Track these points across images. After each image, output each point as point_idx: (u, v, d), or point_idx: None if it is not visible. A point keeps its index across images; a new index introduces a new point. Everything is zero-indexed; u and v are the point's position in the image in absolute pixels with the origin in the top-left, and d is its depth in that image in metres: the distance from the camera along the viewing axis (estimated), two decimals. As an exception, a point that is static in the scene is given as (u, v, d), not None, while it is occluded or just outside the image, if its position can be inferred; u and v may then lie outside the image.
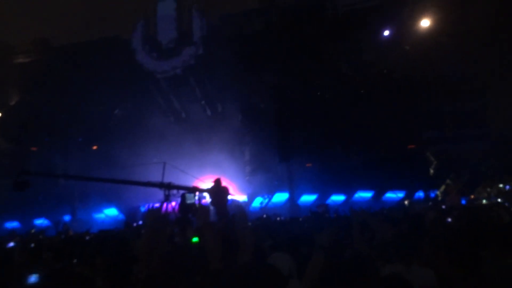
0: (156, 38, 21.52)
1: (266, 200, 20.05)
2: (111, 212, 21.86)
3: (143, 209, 19.60)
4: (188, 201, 4.44)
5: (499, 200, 15.76)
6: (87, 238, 7.82)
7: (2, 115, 22.56)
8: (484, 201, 15.81)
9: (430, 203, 14.31)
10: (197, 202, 4.77)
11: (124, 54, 21.32)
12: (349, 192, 19.15)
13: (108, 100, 22.30)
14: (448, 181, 17.44)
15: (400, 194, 18.44)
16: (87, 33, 23.10)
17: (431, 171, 18.23)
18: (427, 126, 18.28)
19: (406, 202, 16.59)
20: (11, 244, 8.24)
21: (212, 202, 3.60)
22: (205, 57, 20.79)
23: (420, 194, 17.79)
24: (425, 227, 5.22)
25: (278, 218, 12.09)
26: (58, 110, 21.51)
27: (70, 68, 20.91)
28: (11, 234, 11.42)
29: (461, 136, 17.79)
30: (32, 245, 5.83)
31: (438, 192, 17.48)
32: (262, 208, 19.43)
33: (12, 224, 21.20)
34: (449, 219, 5.33)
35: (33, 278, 3.54)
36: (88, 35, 22.52)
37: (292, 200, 19.13)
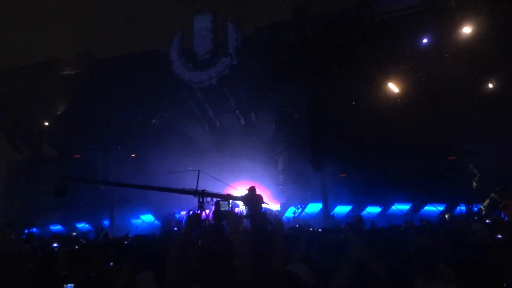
0: (192, 50, 22.11)
1: (299, 210, 19.85)
2: (148, 218, 22.49)
3: (177, 215, 20.03)
4: (222, 209, 4.51)
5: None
6: (126, 242, 8.08)
7: (49, 124, 23.96)
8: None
9: (476, 217, 13.56)
10: (230, 209, 4.84)
11: (162, 66, 22.04)
12: (385, 204, 18.55)
13: (147, 110, 23.12)
14: (493, 194, 16.46)
15: (440, 207, 17.64)
16: (127, 46, 24.24)
17: (474, 184, 17.32)
18: (469, 138, 17.44)
19: (446, 216, 15.82)
20: (55, 244, 8.70)
21: (248, 210, 3.64)
22: (239, 67, 21.09)
23: (462, 207, 16.94)
24: (467, 242, 4.97)
25: (311, 229, 11.93)
26: (100, 120, 22.54)
27: (112, 80, 21.88)
28: (55, 237, 12.00)
29: (505, 148, 16.82)
30: (76, 247, 6.10)
31: (482, 206, 16.54)
32: (295, 218, 19.26)
33: (56, 227, 22.33)
34: (499, 236, 5.02)
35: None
36: (129, 49, 23.60)
37: (326, 210, 18.82)
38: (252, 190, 3.55)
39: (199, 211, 7.95)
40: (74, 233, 18.18)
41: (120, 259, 5.23)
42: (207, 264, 2.86)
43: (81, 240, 11.50)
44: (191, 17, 22.38)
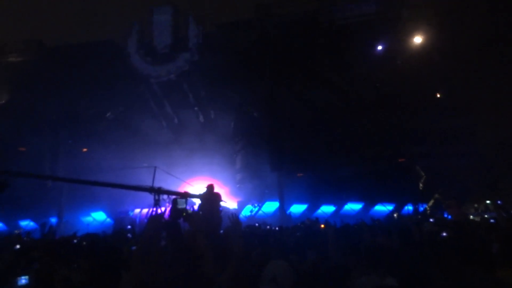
0: (151, 42, 21.51)
1: (256, 209, 19.99)
2: (99, 215, 21.58)
3: (131, 213, 19.41)
4: (179, 206, 4.41)
5: (486, 216, 15.92)
6: (74, 241, 7.69)
7: (-10, 114, 22.23)
8: (471, 217, 15.97)
9: (419, 216, 14.39)
10: (188, 207, 4.74)
11: (119, 58, 21.24)
12: (339, 203, 19.20)
13: (100, 103, 22.15)
14: (436, 195, 17.59)
15: (390, 207, 18.54)
16: (81, 35, 23.10)
17: (420, 185, 18.40)
18: (417, 141, 18.50)
19: (395, 215, 16.67)
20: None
21: (203, 208, 3.57)
22: (199, 63, 20.83)
23: (409, 207, 17.92)
24: (413, 240, 5.25)
25: (268, 227, 12.06)
26: (48, 111, 21.26)
27: (63, 69, 20.74)
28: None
29: (448, 152, 18.02)
30: (17, 246, 5.70)
31: (427, 206, 17.62)
32: (251, 217, 19.38)
33: (-4, 225, 20.81)
34: (444, 234, 5.35)
35: (23, 281, 3.47)
36: (83, 37, 22.49)
37: (282, 209, 19.11)
38: (210, 187, 3.48)
39: (154, 208, 7.76)
40: (17, 231, 17.01)
41: (69, 258, 4.97)
42: (171, 265, 2.78)
43: (24, 238, 10.78)
44: (151, 9, 21.75)
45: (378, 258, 3.38)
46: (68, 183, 19.10)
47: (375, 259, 3.39)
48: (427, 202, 17.72)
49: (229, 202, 18.68)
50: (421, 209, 17.37)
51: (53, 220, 20.51)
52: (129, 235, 9.74)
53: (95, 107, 22.30)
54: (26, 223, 20.91)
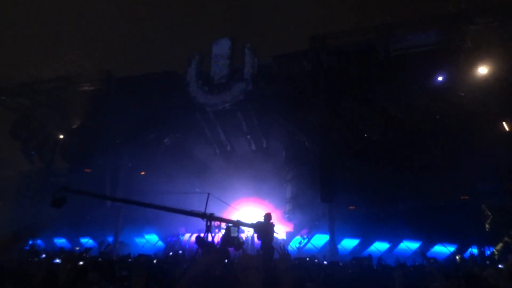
0: (209, 73, 22.51)
1: (305, 241, 19.48)
2: (152, 237, 22.30)
3: (181, 237, 19.84)
4: (232, 234, 4.46)
5: None
6: (129, 260, 7.98)
7: (64, 137, 24.36)
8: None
9: (487, 262, 13.10)
10: (240, 236, 4.77)
11: (178, 87, 22.43)
12: (394, 240, 18.11)
13: (159, 129, 23.37)
14: (506, 238, 15.97)
15: (451, 248, 17.13)
16: (145, 67, 24.84)
17: (487, 226, 16.86)
18: (482, 178, 17.14)
19: (457, 257, 15.34)
20: (57, 260, 8.64)
21: (259, 236, 3.58)
22: (254, 93, 21.32)
23: (473, 249, 16.42)
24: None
25: (316, 260, 11.68)
26: (113, 136, 22.83)
27: (128, 98, 22.31)
28: (61, 252, 11.92)
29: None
30: (81, 263, 6.04)
31: (494, 250, 16.02)
32: (300, 248, 18.90)
33: (60, 241, 22.27)
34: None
35: None
36: (146, 69, 24.15)
37: (332, 243, 18.43)
38: (268, 217, 3.48)
39: (206, 234, 7.87)
40: (78, 248, 18.07)
41: (126, 278, 5.17)
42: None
43: (84, 255, 11.39)
44: (209, 42, 22.90)
45: None
46: (126, 204, 20.09)
47: None
48: (494, 246, 16.14)
49: (278, 231, 18.43)
50: (488, 252, 15.85)
51: (110, 239, 21.55)
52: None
53: (154, 133, 23.56)
54: (85, 241, 22.16)
